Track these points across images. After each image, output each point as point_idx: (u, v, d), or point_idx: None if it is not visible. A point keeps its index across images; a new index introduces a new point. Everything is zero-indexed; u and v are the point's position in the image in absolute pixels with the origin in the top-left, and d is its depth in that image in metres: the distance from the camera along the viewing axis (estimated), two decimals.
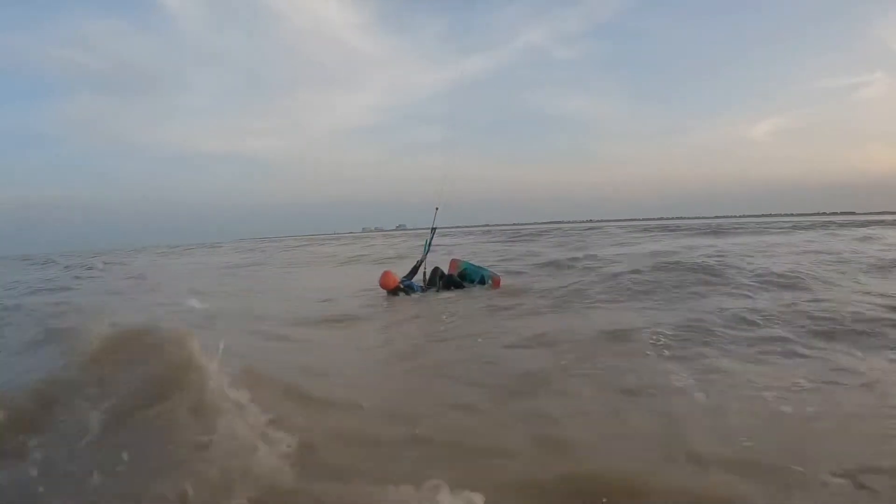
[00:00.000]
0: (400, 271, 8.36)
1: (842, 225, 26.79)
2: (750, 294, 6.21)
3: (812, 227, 26.69)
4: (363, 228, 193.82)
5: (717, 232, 23.72)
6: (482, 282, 8.34)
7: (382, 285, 7.93)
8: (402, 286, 7.90)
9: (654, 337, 4.30)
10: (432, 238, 8.67)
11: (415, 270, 8.34)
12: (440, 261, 8.78)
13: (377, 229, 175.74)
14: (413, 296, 7.82)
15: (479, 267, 8.84)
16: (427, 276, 8.28)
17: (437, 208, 8.55)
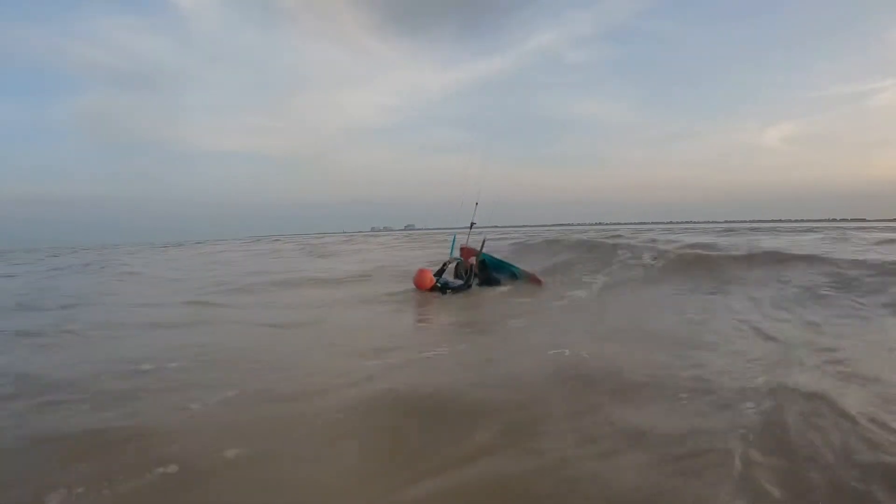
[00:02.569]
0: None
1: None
2: None
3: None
4: (372, 228, 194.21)
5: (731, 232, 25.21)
6: (512, 277, 7.97)
7: (417, 284, 7.43)
8: (438, 285, 7.44)
9: None
10: (468, 236, 8.31)
11: (443, 269, 7.91)
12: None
13: (385, 229, 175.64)
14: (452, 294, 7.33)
15: (500, 259, 8.34)
16: (463, 273, 7.82)
17: (476, 203, 8.14)
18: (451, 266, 8.01)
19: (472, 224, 8.23)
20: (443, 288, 7.42)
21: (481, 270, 7.79)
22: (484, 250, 8.09)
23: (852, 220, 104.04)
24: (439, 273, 7.76)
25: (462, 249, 8.26)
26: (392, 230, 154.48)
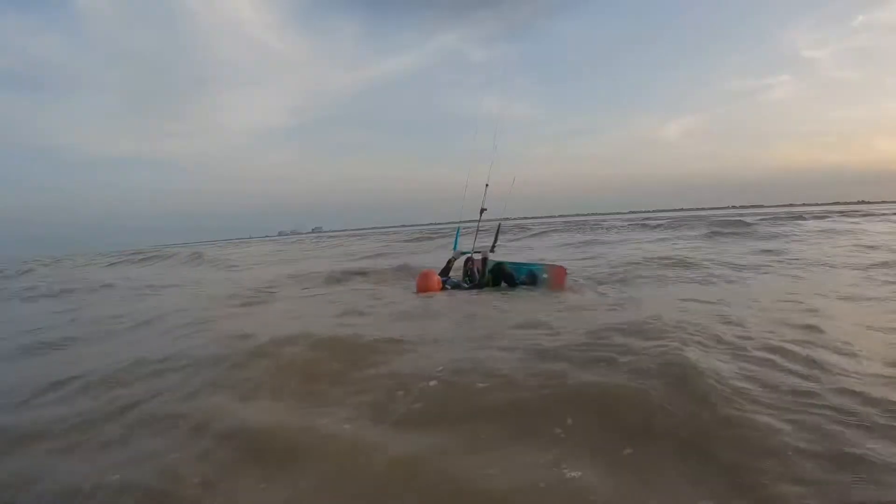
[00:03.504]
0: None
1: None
2: None
3: None
4: (279, 232, 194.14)
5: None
6: (532, 278, 6.98)
7: (423, 289, 6.52)
8: (447, 287, 6.72)
9: None
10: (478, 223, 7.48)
11: (449, 266, 7.19)
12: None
13: (293, 232, 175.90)
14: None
15: (517, 262, 7.43)
16: (474, 272, 6.99)
17: (486, 185, 7.32)
18: (459, 262, 7.31)
19: (483, 209, 7.33)
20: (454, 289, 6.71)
21: (495, 271, 6.84)
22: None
23: (750, 206, 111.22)
24: (445, 272, 7.09)
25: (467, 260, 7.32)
26: (300, 233, 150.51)
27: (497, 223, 7.36)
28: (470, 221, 7.46)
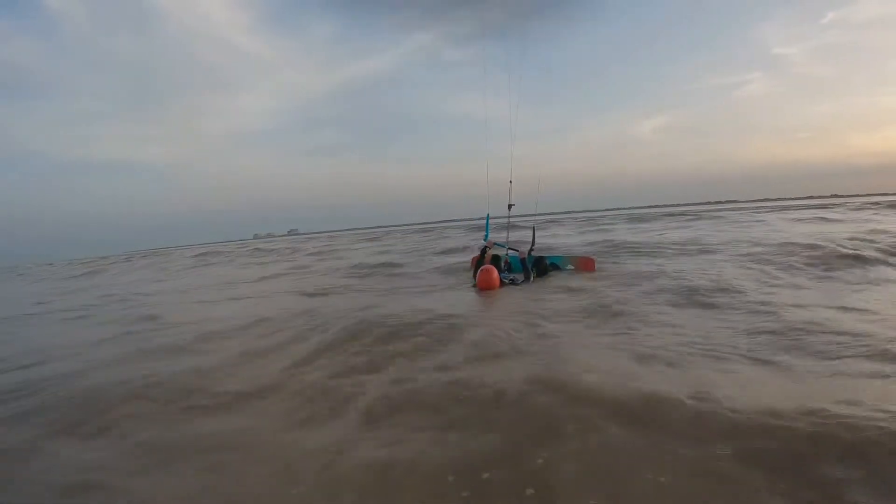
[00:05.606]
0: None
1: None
2: None
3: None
4: (254, 235, 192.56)
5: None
6: (555, 267, 8.07)
7: (484, 285, 6.68)
8: (505, 282, 7.03)
9: None
10: (508, 219, 8.20)
11: (483, 255, 7.64)
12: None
13: (268, 235, 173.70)
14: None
15: (548, 256, 8.38)
16: (527, 266, 7.52)
17: (510, 181, 7.92)
18: (491, 251, 7.71)
19: (511, 205, 7.88)
20: (511, 283, 7.04)
21: (537, 264, 7.67)
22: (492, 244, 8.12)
23: (726, 201, 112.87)
24: (480, 260, 7.54)
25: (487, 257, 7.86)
26: (275, 237, 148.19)
27: (532, 225, 8.65)
28: (479, 218, 8.07)
